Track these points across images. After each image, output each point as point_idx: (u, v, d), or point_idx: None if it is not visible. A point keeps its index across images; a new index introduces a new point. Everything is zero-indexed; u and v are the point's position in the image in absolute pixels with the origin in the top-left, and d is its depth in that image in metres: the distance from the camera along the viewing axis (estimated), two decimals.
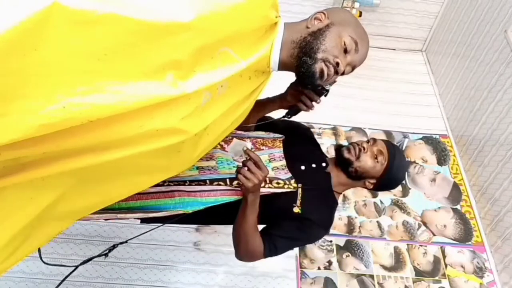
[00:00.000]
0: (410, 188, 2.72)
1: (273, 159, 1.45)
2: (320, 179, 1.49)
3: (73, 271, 1.30)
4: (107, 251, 1.32)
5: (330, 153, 2.82)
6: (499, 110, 2.54)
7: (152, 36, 0.83)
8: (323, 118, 2.96)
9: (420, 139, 2.98)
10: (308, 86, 1.22)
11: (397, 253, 2.43)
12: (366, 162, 1.46)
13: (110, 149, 0.88)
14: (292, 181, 1.41)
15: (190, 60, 0.89)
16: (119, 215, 1.29)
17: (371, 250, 2.43)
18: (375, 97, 3.18)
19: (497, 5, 2.65)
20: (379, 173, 1.47)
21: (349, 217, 2.55)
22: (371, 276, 2.33)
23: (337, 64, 1.13)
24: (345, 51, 1.14)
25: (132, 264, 2.24)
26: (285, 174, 1.42)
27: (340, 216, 2.54)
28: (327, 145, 2.85)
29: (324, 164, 1.49)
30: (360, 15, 3.23)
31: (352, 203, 2.61)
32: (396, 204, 2.64)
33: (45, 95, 0.75)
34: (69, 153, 0.85)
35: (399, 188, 2.71)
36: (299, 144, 1.54)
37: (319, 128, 2.93)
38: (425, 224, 2.57)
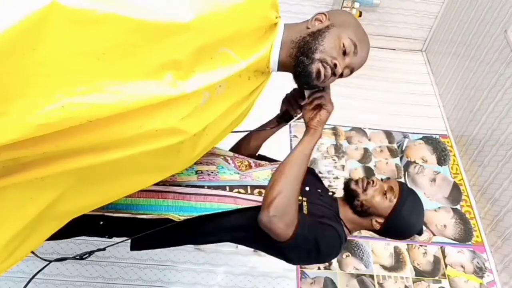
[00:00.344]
0: None
1: None
2: (327, 201, 1.41)
3: (44, 266, 1.26)
4: (86, 255, 1.23)
5: (330, 153, 2.82)
6: (499, 110, 2.55)
7: (151, 36, 0.83)
8: None
9: (420, 139, 2.98)
10: (304, 86, 1.19)
11: (397, 253, 2.43)
12: (373, 196, 1.37)
13: (109, 149, 0.88)
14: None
15: (189, 60, 0.89)
16: (106, 214, 1.23)
17: (371, 250, 2.43)
18: (375, 97, 3.18)
19: (497, 5, 2.65)
20: (387, 212, 1.38)
21: None
22: (371, 276, 2.33)
23: (335, 65, 1.12)
24: (344, 53, 1.13)
25: (132, 264, 2.24)
26: None
27: None
28: (327, 145, 2.85)
29: (330, 193, 1.45)
30: (360, 15, 3.23)
31: None
32: None
33: (44, 94, 0.75)
34: (68, 153, 0.85)
35: None
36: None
37: None
38: (425, 224, 2.57)
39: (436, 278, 2.37)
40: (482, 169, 2.66)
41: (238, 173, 1.33)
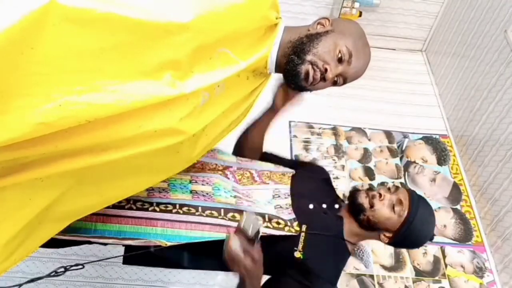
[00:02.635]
0: (410, 188, 2.72)
1: (277, 196, 1.32)
2: (330, 223, 1.33)
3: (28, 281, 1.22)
4: (60, 271, 1.20)
5: (330, 153, 2.82)
6: (499, 110, 2.54)
7: (150, 36, 0.83)
8: (323, 118, 2.96)
9: (420, 139, 2.98)
10: (291, 85, 1.16)
11: (397, 253, 2.43)
12: (381, 211, 1.29)
13: (108, 150, 0.88)
14: (295, 223, 1.26)
15: (188, 60, 0.89)
16: (92, 240, 1.20)
17: (371, 250, 2.43)
18: (375, 97, 3.18)
19: (497, 5, 2.65)
20: (395, 226, 1.29)
21: None
22: (371, 276, 2.33)
23: (326, 70, 1.09)
24: (339, 60, 1.11)
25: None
26: (288, 215, 1.28)
27: None
28: (327, 145, 2.85)
29: (337, 206, 1.36)
30: (360, 15, 3.23)
31: None
32: None
33: (43, 93, 0.75)
34: (68, 153, 0.85)
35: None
36: (311, 181, 1.42)
37: (319, 128, 2.93)
38: None
39: (436, 278, 2.37)
40: (482, 169, 2.66)
41: (235, 196, 1.26)
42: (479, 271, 2.42)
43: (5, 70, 0.71)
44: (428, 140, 2.99)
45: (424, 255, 2.44)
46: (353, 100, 3.12)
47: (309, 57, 1.09)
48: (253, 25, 1.03)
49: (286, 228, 1.24)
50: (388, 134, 2.97)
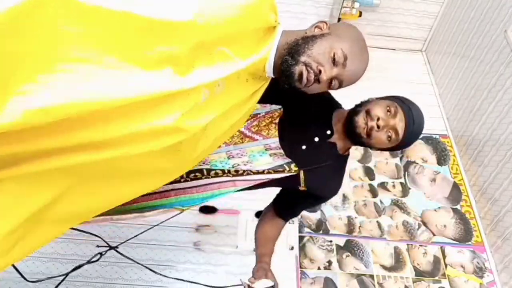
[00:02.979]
0: (410, 188, 2.72)
1: (269, 149, 1.38)
2: (324, 153, 1.38)
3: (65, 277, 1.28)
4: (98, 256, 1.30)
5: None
6: (499, 110, 2.54)
7: (151, 31, 0.83)
8: None
9: (420, 139, 2.98)
10: (285, 86, 1.14)
11: (397, 253, 2.43)
12: (378, 140, 1.32)
13: (106, 147, 0.87)
14: (292, 165, 1.34)
15: (188, 55, 0.89)
16: (114, 217, 1.28)
17: (371, 250, 2.43)
18: (375, 97, 3.17)
19: (497, 5, 2.65)
20: (388, 147, 1.37)
21: (349, 217, 2.55)
22: (371, 276, 2.33)
23: (320, 72, 1.09)
24: (334, 63, 1.10)
25: (132, 264, 2.24)
26: (284, 159, 1.35)
27: (340, 216, 2.54)
28: None
29: (329, 132, 1.38)
30: (360, 15, 3.23)
31: (352, 203, 2.61)
32: (396, 204, 2.64)
33: (34, 79, 0.75)
34: (64, 149, 0.84)
35: (399, 188, 2.71)
36: (300, 117, 1.41)
37: None
38: (425, 224, 2.57)
39: (436, 278, 2.37)
40: (482, 169, 2.66)
41: (232, 166, 1.33)
42: (479, 271, 2.42)
43: (2, 54, 0.71)
44: (428, 140, 2.99)
45: (424, 255, 2.44)
46: (353, 100, 3.11)
47: (303, 58, 1.08)
48: (253, 25, 1.03)
49: (286, 171, 1.33)
50: None
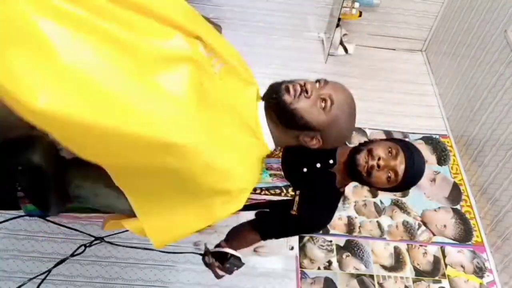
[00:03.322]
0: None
1: (270, 168, 1.40)
2: (323, 180, 1.41)
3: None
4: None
5: None
6: (499, 110, 2.55)
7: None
8: None
9: (420, 139, 2.98)
10: (273, 97, 1.11)
11: (397, 253, 2.43)
12: (378, 179, 1.33)
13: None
14: (290, 189, 1.38)
15: None
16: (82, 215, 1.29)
17: (371, 250, 2.43)
18: (375, 97, 3.18)
19: (497, 5, 2.65)
20: (388, 187, 1.38)
21: (349, 217, 2.55)
22: (371, 276, 2.33)
23: (304, 84, 1.08)
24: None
25: (132, 264, 2.24)
26: (283, 181, 1.38)
27: (340, 216, 2.54)
28: None
29: (331, 162, 1.40)
30: (360, 15, 3.23)
31: (352, 203, 2.61)
32: (396, 204, 2.64)
33: None
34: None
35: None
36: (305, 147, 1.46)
37: None
38: (425, 224, 2.57)
39: (436, 278, 2.37)
40: (482, 169, 2.66)
41: None
42: (479, 271, 2.42)
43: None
44: (428, 140, 2.99)
45: (424, 255, 2.44)
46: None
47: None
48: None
49: (283, 194, 1.38)
50: (388, 134, 2.97)
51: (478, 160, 2.71)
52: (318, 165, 1.40)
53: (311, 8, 3.37)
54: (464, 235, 2.55)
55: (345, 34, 3.28)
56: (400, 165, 1.32)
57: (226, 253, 1.39)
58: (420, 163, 1.39)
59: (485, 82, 2.71)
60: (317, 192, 1.40)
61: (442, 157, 2.90)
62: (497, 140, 2.53)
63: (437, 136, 3.01)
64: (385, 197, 2.65)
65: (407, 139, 2.91)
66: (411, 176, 1.36)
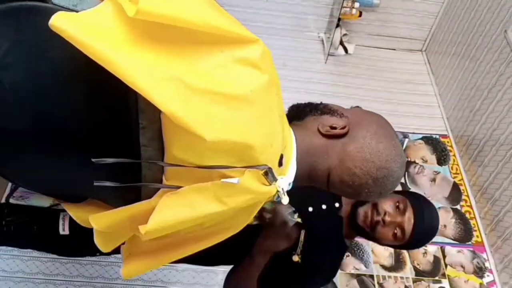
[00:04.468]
0: (410, 188, 2.72)
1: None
2: (329, 223, 1.32)
3: None
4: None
5: None
6: (499, 110, 2.55)
7: None
8: None
9: (420, 139, 2.98)
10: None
11: (397, 253, 2.43)
12: (383, 236, 1.26)
13: None
14: (296, 215, 1.26)
15: None
16: None
17: (371, 250, 2.43)
18: (375, 97, 3.18)
19: (497, 5, 2.65)
20: (395, 245, 1.31)
21: None
22: (371, 276, 2.33)
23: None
24: None
25: None
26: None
27: None
28: None
29: (337, 205, 1.32)
30: (360, 15, 3.23)
31: None
32: None
33: None
34: None
35: (399, 187, 2.71)
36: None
37: None
38: None
39: (436, 278, 2.37)
40: (482, 169, 2.66)
41: None
42: (479, 271, 2.42)
43: None
44: (428, 140, 2.99)
45: (424, 255, 2.44)
46: (353, 100, 3.12)
47: None
48: None
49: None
50: None
51: (478, 160, 2.71)
52: (324, 206, 1.32)
53: (311, 8, 3.37)
54: (464, 235, 2.55)
55: (345, 34, 3.28)
56: (408, 221, 1.24)
57: None
58: (431, 220, 1.27)
59: (485, 82, 2.71)
60: (325, 239, 1.31)
61: (442, 157, 2.90)
62: (497, 140, 2.53)
63: (437, 136, 3.01)
64: None
65: (406, 138, 2.91)
66: (420, 234, 1.26)
